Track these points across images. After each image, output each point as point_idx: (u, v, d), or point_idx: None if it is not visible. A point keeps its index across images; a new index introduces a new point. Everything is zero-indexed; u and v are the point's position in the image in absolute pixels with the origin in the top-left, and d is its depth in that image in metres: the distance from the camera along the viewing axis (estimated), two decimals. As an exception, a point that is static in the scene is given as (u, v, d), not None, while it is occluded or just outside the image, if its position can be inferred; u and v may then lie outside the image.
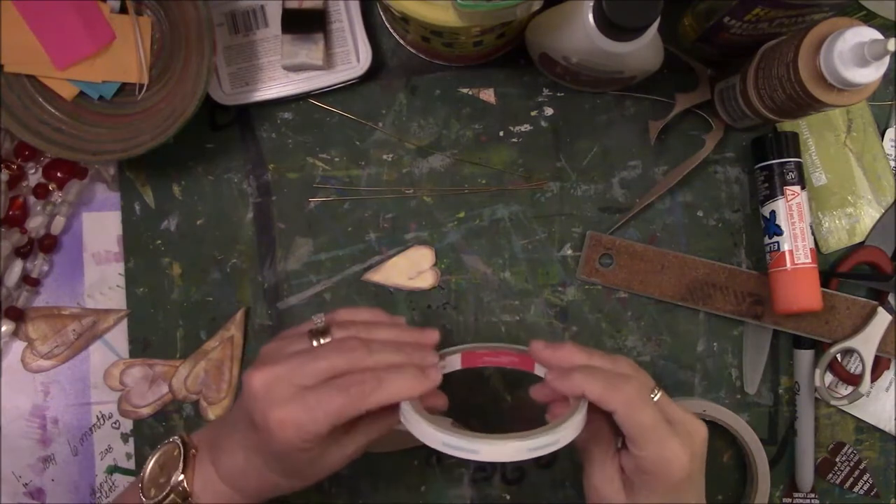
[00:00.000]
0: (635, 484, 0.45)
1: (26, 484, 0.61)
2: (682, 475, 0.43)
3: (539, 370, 0.50)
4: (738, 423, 0.59)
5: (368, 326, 0.47)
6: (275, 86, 0.59)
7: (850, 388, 0.60)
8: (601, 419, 0.46)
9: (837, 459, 0.61)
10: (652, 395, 0.45)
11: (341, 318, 0.48)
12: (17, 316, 0.61)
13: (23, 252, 0.61)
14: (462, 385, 0.61)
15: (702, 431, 0.45)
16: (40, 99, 0.57)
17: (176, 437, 0.48)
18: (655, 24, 0.47)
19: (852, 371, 0.61)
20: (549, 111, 0.61)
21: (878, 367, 0.60)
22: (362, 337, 0.45)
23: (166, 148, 0.57)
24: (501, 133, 0.61)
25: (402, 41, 0.60)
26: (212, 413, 0.60)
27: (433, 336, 0.48)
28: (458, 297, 0.61)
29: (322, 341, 0.45)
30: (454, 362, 0.51)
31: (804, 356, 0.60)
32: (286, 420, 0.41)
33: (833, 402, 0.59)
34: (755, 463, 0.59)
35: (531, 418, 0.60)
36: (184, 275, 0.61)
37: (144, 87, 0.58)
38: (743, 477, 0.61)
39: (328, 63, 0.58)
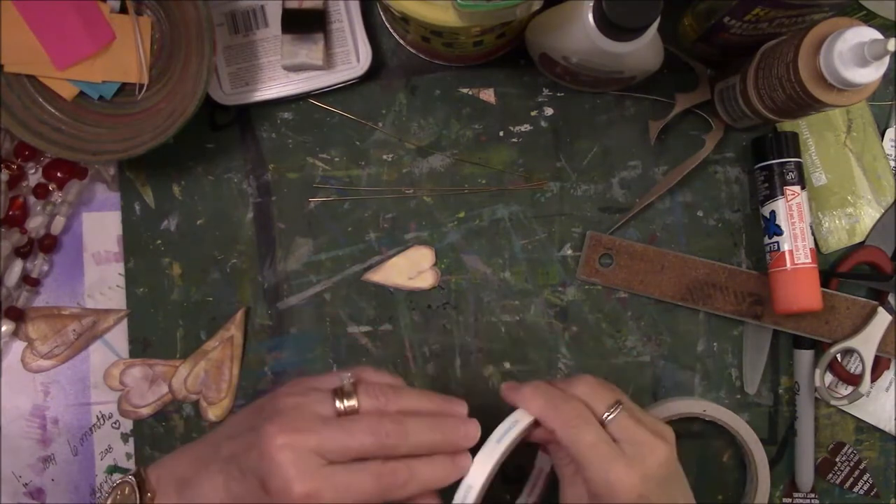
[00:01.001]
0: None
1: (26, 484, 0.61)
2: (630, 497, 0.43)
3: None
4: (738, 423, 0.59)
5: (397, 392, 0.44)
6: (275, 86, 0.59)
7: (850, 388, 0.60)
8: None
9: (837, 459, 0.61)
10: (607, 414, 0.44)
11: (368, 379, 0.45)
12: (17, 316, 0.61)
13: (23, 252, 0.61)
14: (461, 385, 0.61)
15: (659, 452, 0.44)
16: (40, 99, 0.57)
17: (130, 476, 0.44)
18: (655, 24, 0.47)
19: (852, 371, 0.61)
20: (549, 111, 0.61)
21: (878, 367, 0.60)
22: (392, 412, 0.43)
23: (166, 148, 0.57)
24: (501, 133, 0.61)
25: (402, 41, 0.60)
26: (212, 413, 0.60)
27: (462, 408, 0.46)
28: (458, 297, 0.61)
29: (346, 403, 0.42)
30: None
31: (804, 356, 0.60)
32: (311, 495, 0.39)
33: (833, 402, 0.59)
34: (755, 463, 0.59)
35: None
36: (184, 275, 0.61)
37: (144, 87, 0.58)
38: (743, 477, 0.61)
39: (328, 63, 0.58)
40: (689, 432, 0.60)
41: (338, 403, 0.42)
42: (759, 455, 0.59)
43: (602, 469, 0.43)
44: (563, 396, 0.45)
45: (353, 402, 0.42)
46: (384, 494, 0.41)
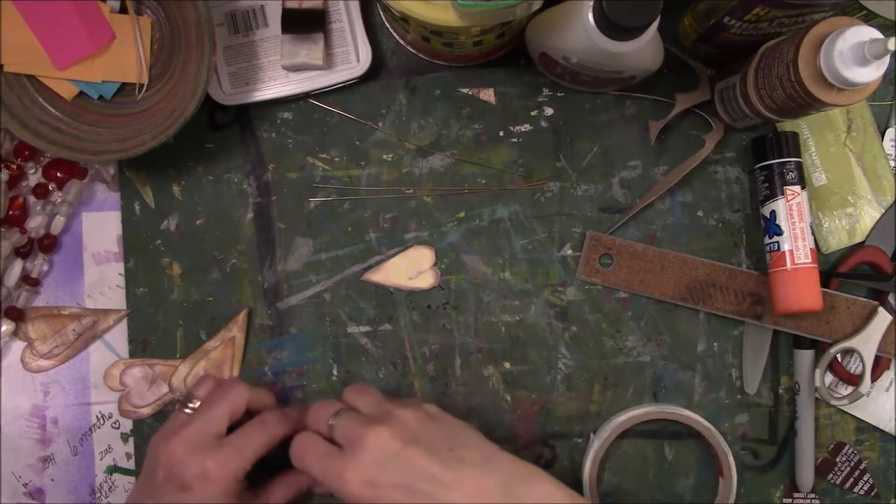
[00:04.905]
0: None
1: (26, 484, 0.61)
2: (359, 490, 0.46)
3: None
4: (698, 423, 0.59)
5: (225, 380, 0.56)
6: (275, 86, 0.59)
7: (851, 388, 0.60)
8: None
9: (838, 460, 0.61)
10: (331, 423, 0.49)
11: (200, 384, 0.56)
12: (17, 316, 0.61)
13: (23, 252, 0.61)
14: (461, 385, 0.61)
15: (372, 437, 0.46)
16: (40, 99, 0.57)
17: None
18: (655, 24, 0.47)
19: (852, 371, 0.61)
20: (549, 111, 0.61)
21: (879, 367, 0.60)
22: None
23: (166, 148, 0.58)
24: (501, 133, 0.61)
25: (402, 41, 0.60)
26: (212, 413, 0.60)
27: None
28: (458, 297, 0.61)
29: (193, 404, 0.54)
30: None
31: (804, 356, 0.60)
32: (225, 460, 0.50)
33: (833, 403, 0.59)
34: (728, 464, 0.58)
35: (530, 418, 0.60)
36: (184, 275, 0.61)
37: (144, 87, 0.58)
38: (743, 477, 0.61)
39: (328, 63, 0.58)
40: (689, 432, 0.60)
41: (190, 406, 0.54)
42: (728, 455, 0.59)
43: (332, 478, 0.47)
44: (300, 435, 0.51)
45: (197, 403, 0.54)
46: (271, 440, 0.52)
